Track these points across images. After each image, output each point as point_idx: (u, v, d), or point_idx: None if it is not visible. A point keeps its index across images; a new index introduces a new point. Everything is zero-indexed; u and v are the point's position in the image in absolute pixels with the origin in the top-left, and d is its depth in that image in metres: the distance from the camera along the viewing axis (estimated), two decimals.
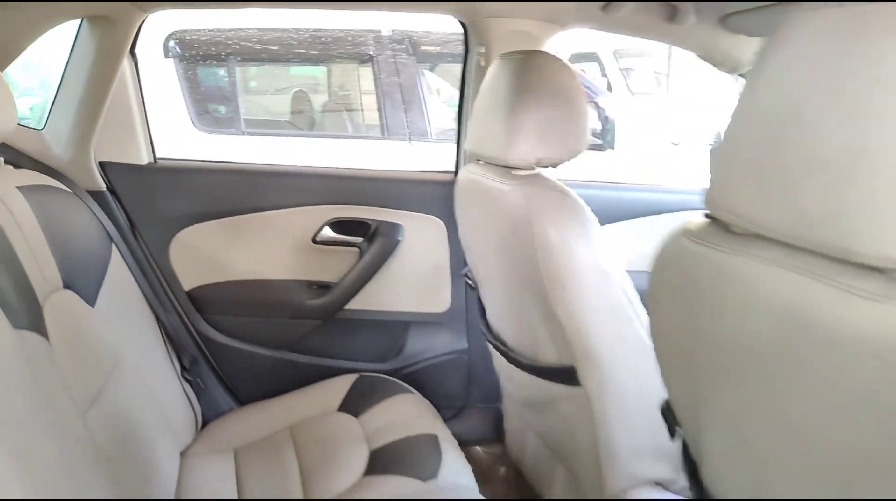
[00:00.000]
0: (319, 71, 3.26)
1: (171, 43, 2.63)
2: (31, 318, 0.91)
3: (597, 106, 2.94)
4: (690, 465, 0.84)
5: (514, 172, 1.13)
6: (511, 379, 1.38)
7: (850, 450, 0.53)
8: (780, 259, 0.55)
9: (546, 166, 1.13)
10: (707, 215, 0.66)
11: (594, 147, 2.97)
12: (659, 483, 1.19)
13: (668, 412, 0.85)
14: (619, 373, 1.07)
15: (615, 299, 1.06)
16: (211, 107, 2.83)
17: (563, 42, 5.59)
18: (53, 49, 1.38)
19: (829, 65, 0.50)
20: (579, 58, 5.59)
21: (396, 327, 1.65)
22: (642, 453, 1.13)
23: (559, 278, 1.05)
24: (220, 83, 2.87)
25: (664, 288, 0.72)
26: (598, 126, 2.93)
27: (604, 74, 5.61)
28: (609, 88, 5.44)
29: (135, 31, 1.36)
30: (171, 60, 2.63)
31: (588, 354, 1.07)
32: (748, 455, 0.68)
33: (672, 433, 0.86)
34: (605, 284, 1.06)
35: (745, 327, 0.60)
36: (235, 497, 1.19)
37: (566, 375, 1.12)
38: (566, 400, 1.16)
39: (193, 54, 2.70)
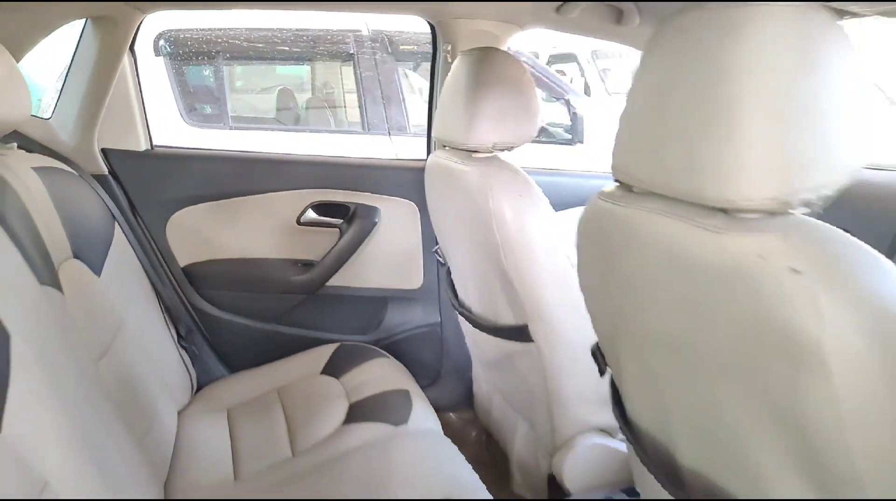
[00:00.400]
0: (304, 70, 3.39)
1: (162, 42, 2.75)
2: (51, 277, 1.04)
3: (567, 104, 3.10)
4: (616, 397, 0.99)
5: (474, 155, 1.28)
6: (476, 343, 1.53)
7: (709, 355, 0.69)
8: (661, 208, 0.71)
9: (502, 149, 1.28)
10: (616, 180, 0.82)
11: (564, 142, 3.14)
12: (604, 431, 1.35)
13: (597, 353, 1.00)
14: (565, 329, 1.23)
15: (560, 264, 1.21)
16: (199, 103, 2.96)
17: (543, 44, 5.76)
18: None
19: (688, 58, 0.66)
20: (558, 59, 5.77)
21: (375, 302, 1.79)
22: (587, 400, 1.28)
23: (512, 246, 1.20)
24: (208, 80, 2.99)
25: (585, 242, 0.88)
26: (569, 123, 3.10)
27: (582, 75, 5.79)
28: (587, 88, 5.62)
29: (134, 30, 1.49)
30: (161, 59, 2.75)
31: (538, 312, 1.23)
32: (650, 377, 0.84)
33: (601, 372, 1.01)
34: (551, 251, 1.21)
35: (639, 265, 0.75)
36: (230, 449, 1.32)
37: (520, 333, 1.28)
38: (521, 356, 1.32)
39: (182, 52, 2.82)
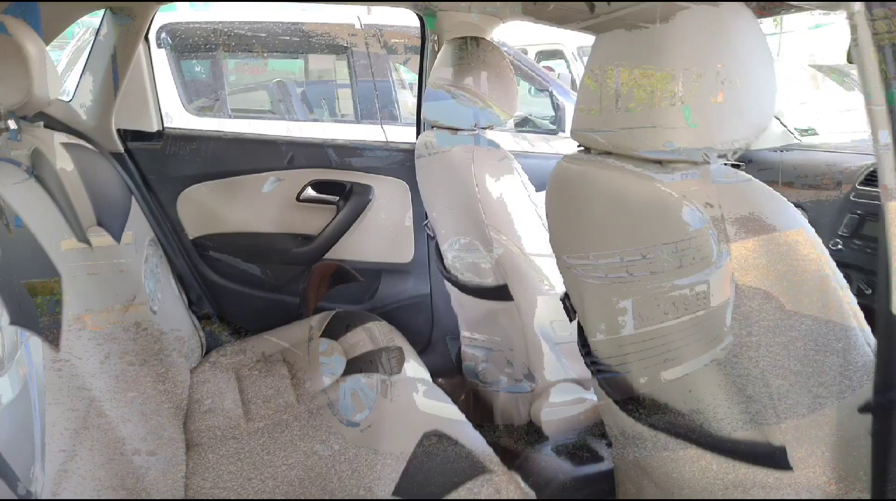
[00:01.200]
0: (300, 61, 3.52)
1: (163, 34, 2.87)
2: (84, 237, 1.18)
3: (551, 95, 3.25)
4: (581, 336, 1.14)
5: (458, 132, 1.43)
6: (462, 306, 1.68)
7: (646, 276, 0.84)
8: (611, 163, 0.86)
9: (483, 127, 1.43)
10: (577, 143, 0.97)
11: (549, 132, 3.29)
12: (578, 382, 1.50)
13: (566, 300, 1.15)
14: (541, 286, 1.38)
15: (536, 226, 1.36)
16: (199, 93, 3.07)
17: (530, 41, 5.92)
18: None
19: (628, 41, 0.81)
20: (546, 56, 5.95)
21: (369, 274, 1.93)
22: (562, 353, 1.43)
23: (493, 210, 1.35)
24: (208, 71, 3.12)
25: (552, 198, 1.03)
26: (552, 113, 3.25)
27: (569, 70, 5.95)
28: (573, 83, 5.78)
29: (150, 20, 1.62)
30: (162, 51, 2.86)
31: (517, 271, 1.38)
32: (607, 309, 0.99)
33: (570, 318, 1.16)
34: (527, 215, 1.36)
35: (595, 211, 0.91)
36: (239, 398, 1.45)
37: (501, 292, 1.43)
38: (502, 314, 1.47)
39: (183, 45, 2.94)
